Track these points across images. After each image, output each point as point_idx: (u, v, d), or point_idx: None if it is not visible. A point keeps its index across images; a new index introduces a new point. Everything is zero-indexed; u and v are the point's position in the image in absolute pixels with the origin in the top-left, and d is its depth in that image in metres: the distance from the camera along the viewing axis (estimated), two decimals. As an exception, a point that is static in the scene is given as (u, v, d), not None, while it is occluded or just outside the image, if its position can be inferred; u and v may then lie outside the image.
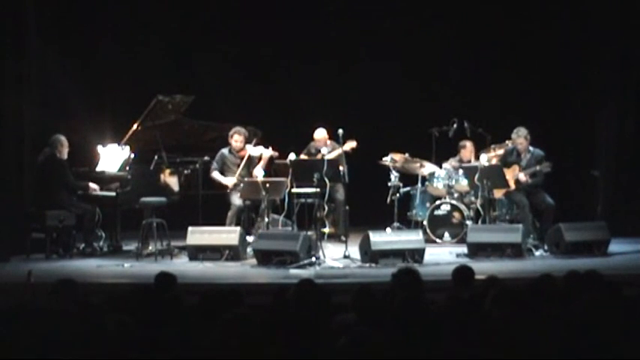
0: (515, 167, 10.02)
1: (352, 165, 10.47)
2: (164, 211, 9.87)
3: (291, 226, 10.37)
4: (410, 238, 9.31)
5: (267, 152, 10.29)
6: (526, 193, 9.94)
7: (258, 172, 10.07)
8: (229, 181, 10.16)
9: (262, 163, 10.28)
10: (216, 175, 10.25)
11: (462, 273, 5.65)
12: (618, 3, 11.33)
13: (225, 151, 10.32)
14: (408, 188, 11.14)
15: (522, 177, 9.88)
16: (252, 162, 10.26)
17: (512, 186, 9.95)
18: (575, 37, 11.82)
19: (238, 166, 10.22)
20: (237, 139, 10.24)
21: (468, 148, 11.12)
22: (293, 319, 4.25)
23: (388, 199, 10.70)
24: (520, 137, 9.95)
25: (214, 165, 10.28)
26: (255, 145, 10.31)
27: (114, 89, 12.05)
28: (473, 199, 10.77)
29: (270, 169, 10.41)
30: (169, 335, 4.12)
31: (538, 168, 9.85)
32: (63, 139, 9.96)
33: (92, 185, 10.01)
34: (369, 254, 9.02)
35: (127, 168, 10.09)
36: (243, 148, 10.26)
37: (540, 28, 12.03)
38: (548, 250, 9.60)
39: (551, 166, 9.85)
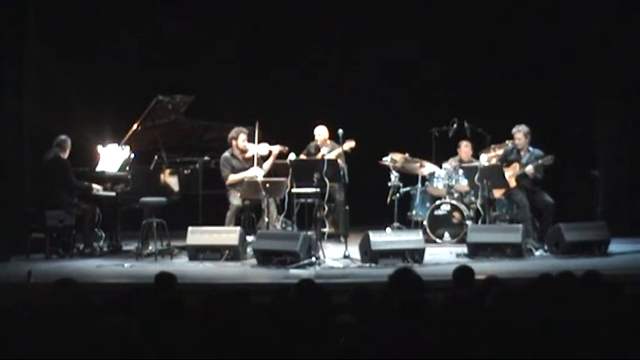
0: (516, 165, 10.00)
1: (352, 165, 10.48)
2: (164, 211, 9.87)
3: (291, 226, 10.38)
4: (410, 238, 9.30)
5: (276, 148, 10.25)
6: (526, 192, 9.92)
7: (258, 173, 10.06)
8: (253, 171, 10.04)
9: (272, 159, 10.24)
10: (234, 176, 10.13)
11: (463, 273, 5.64)
12: (619, 2, 11.33)
13: (227, 155, 10.23)
14: (408, 188, 11.14)
15: (530, 169, 9.82)
16: (259, 160, 10.21)
17: (513, 183, 9.94)
18: (576, 36, 11.82)
19: (245, 168, 10.18)
20: (243, 138, 10.20)
21: (462, 149, 11.13)
22: (293, 319, 4.25)
23: (388, 199, 10.71)
24: (519, 132, 9.93)
25: (225, 170, 10.14)
26: (258, 142, 10.25)
27: (114, 89, 12.05)
28: (473, 199, 10.77)
29: (271, 169, 10.39)
30: (169, 335, 4.12)
31: (540, 162, 9.82)
32: (70, 141, 9.99)
33: (95, 186, 10.01)
34: (369, 254, 9.02)
35: (127, 168, 10.10)
36: (246, 149, 10.23)
37: (540, 28, 12.03)
38: (548, 250, 9.59)
39: (554, 158, 9.82)
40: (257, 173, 10.02)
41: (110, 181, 10.08)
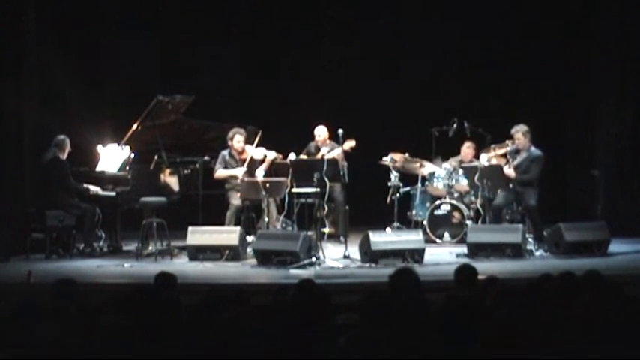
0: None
1: (352, 165, 10.47)
2: (164, 211, 9.87)
3: (291, 226, 10.37)
4: (410, 238, 9.31)
5: (271, 155, 10.25)
6: (515, 194, 9.87)
7: (259, 172, 10.07)
8: (239, 171, 10.07)
9: (265, 165, 10.25)
10: (221, 172, 10.17)
11: (465, 272, 5.62)
12: (618, 2, 11.33)
13: (225, 153, 10.26)
14: (408, 188, 11.14)
15: (507, 170, 9.82)
16: (254, 164, 10.23)
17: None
18: (575, 36, 11.83)
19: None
20: (238, 139, 10.22)
21: (464, 150, 11.13)
22: (293, 319, 4.25)
23: (388, 199, 10.69)
24: (518, 132, 9.88)
25: (217, 166, 10.21)
26: (256, 147, 10.27)
27: (114, 89, 12.04)
28: (473, 199, 10.76)
29: (270, 169, 10.40)
30: (169, 335, 4.12)
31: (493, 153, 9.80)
32: (68, 141, 9.98)
33: (92, 188, 10.00)
34: (369, 254, 9.02)
35: (127, 168, 10.09)
36: (243, 150, 10.24)
37: (540, 28, 12.03)
38: (548, 250, 9.59)
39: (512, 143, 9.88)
40: (239, 173, 10.00)
41: (110, 182, 10.08)
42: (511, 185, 9.86)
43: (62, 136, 10.01)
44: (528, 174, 9.77)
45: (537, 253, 9.56)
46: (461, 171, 10.82)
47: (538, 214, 9.74)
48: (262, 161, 10.27)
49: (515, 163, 9.88)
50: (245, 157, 10.22)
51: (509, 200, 9.90)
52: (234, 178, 10.09)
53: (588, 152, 11.78)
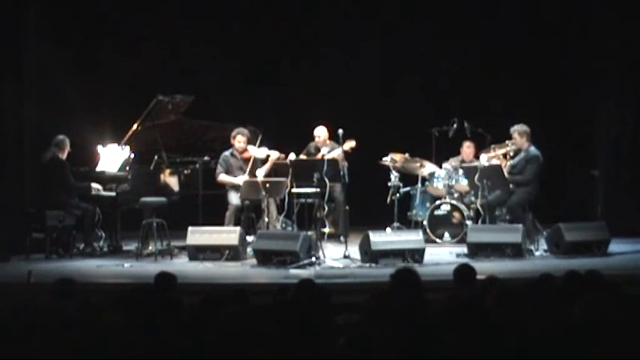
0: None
1: (352, 165, 10.48)
2: (164, 211, 9.87)
3: (291, 226, 10.38)
4: (410, 238, 9.31)
5: (274, 154, 10.25)
6: (509, 194, 9.86)
7: (259, 173, 10.07)
8: (240, 179, 10.06)
9: (268, 165, 10.25)
10: (223, 177, 10.18)
11: (464, 272, 5.63)
12: (619, 2, 11.33)
13: (227, 153, 10.27)
14: (408, 188, 11.14)
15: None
16: (256, 164, 10.22)
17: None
18: (576, 36, 11.82)
19: (242, 168, 10.19)
20: (240, 139, 10.22)
21: (464, 149, 11.14)
22: (293, 319, 4.25)
23: (388, 199, 10.69)
24: (514, 132, 9.90)
25: (219, 168, 10.21)
26: (258, 147, 10.26)
27: (114, 89, 12.04)
28: (473, 199, 10.76)
29: (271, 169, 10.39)
30: (169, 335, 4.12)
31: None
32: (68, 141, 9.98)
33: (94, 185, 10.01)
34: (369, 254, 9.02)
35: (127, 168, 10.09)
36: (245, 150, 10.24)
37: (540, 28, 12.03)
38: (548, 250, 9.59)
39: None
40: (241, 181, 9.97)
41: (110, 181, 10.08)
42: (511, 186, 9.88)
43: (62, 136, 10.01)
44: (522, 174, 9.78)
45: (537, 253, 9.56)
46: (461, 171, 10.83)
47: (522, 212, 9.71)
48: (265, 161, 10.27)
49: (513, 162, 9.89)
50: (247, 156, 10.21)
51: (503, 199, 9.89)
52: (237, 186, 10.07)
53: (588, 152, 11.78)
